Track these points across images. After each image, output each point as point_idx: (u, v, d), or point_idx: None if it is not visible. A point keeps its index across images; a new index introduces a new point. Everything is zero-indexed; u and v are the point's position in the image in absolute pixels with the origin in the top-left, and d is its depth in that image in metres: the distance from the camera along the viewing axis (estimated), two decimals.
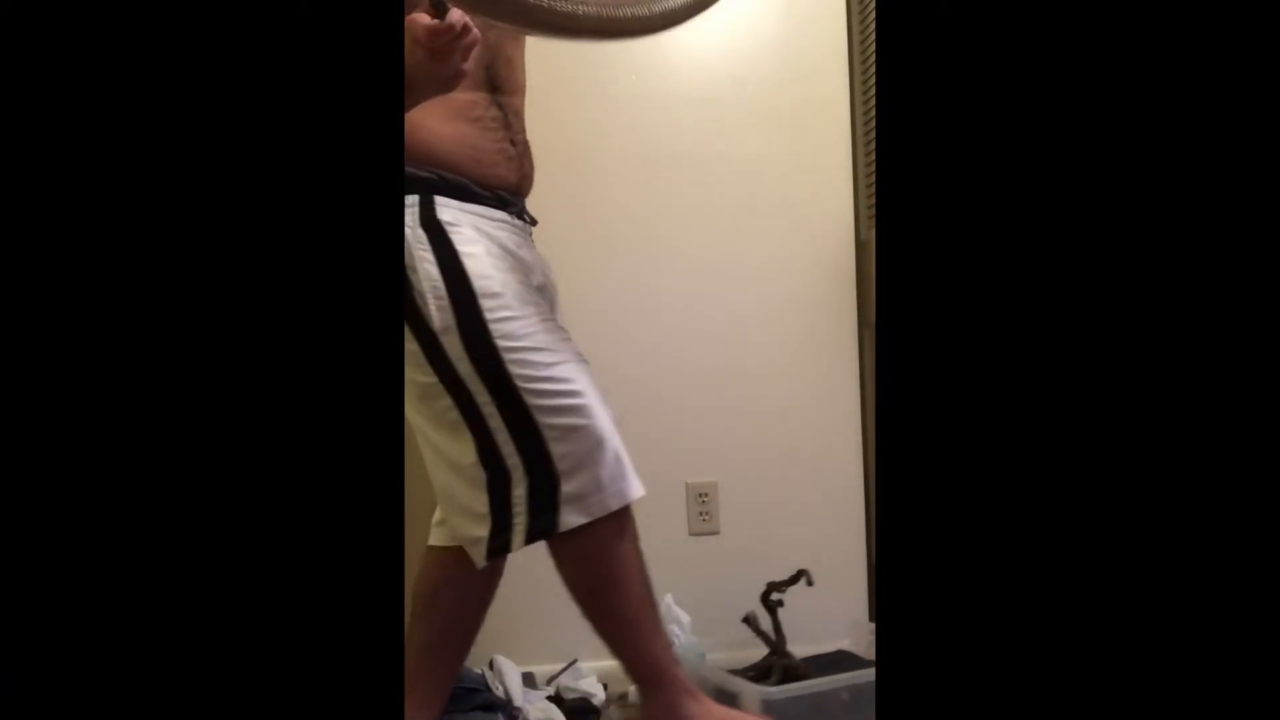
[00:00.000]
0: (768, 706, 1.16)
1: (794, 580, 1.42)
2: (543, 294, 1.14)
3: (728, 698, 1.23)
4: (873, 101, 1.70)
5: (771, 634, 1.38)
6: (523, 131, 1.18)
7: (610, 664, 1.57)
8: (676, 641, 1.40)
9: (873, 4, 1.71)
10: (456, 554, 1.12)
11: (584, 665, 1.54)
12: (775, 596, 1.40)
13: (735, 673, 1.30)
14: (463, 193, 1.07)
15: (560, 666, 1.55)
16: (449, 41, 0.87)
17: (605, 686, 1.52)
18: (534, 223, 1.21)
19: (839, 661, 1.41)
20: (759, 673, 1.33)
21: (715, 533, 1.68)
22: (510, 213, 1.12)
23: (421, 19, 0.85)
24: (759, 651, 1.41)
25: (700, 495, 1.68)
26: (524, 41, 1.20)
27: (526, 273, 1.11)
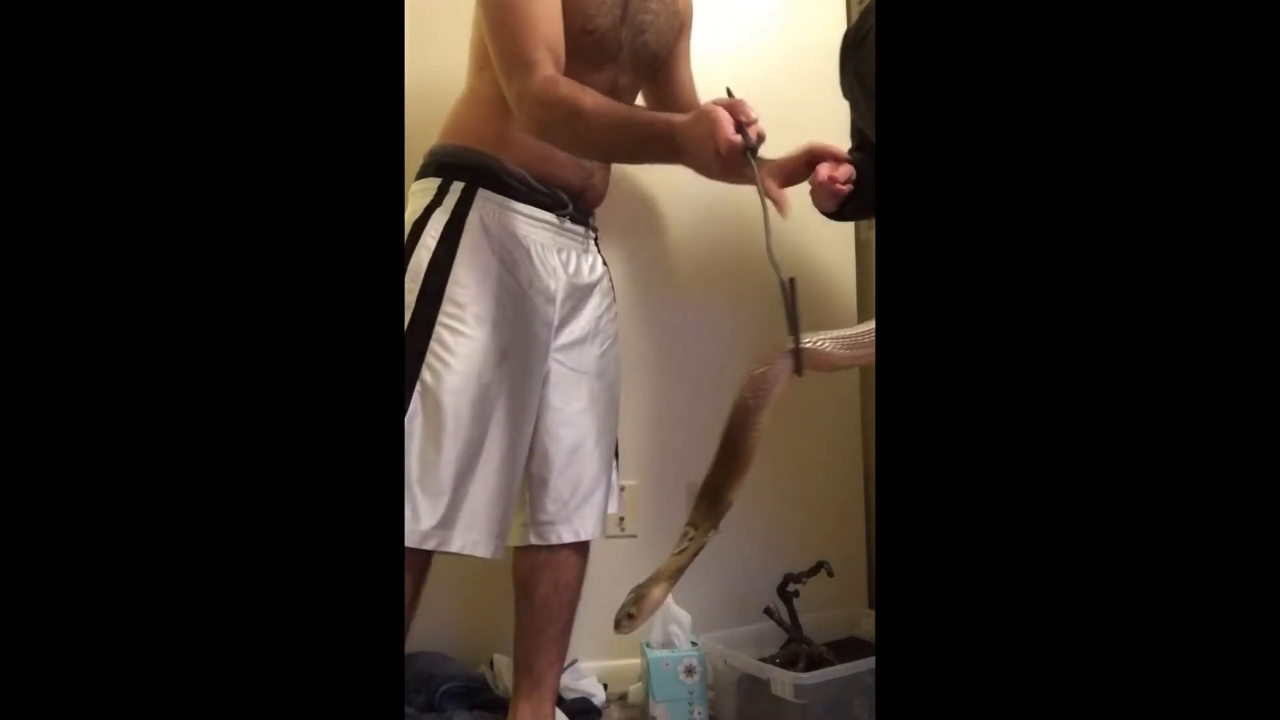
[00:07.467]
0: (801, 691, 1.20)
1: (814, 572, 1.44)
2: (549, 301, 1.19)
3: (759, 685, 1.27)
4: None
5: (789, 623, 1.42)
6: None
7: (610, 664, 1.58)
8: (677, 641, 1.40)
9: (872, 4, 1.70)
10: (541, 547, 1.22)
11: (584, 665, 1.54)
12: (792, 587, 1.42)
13: (764, 660, 1.33)
14: (519, 183, 1.15)
15: None
16: (730, 159, 0.89)
17: (605, 686, 1.52)
18: (593, 230, 1.32)
19: (854, 648, 1.44)
20: (785, 660, 1.36)
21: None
22: (561, 214, 1.21)
23: (729, 131, 0.87)
24: (758, 652, 1.41)
25: None
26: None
27: (532, 280, 1.16)
